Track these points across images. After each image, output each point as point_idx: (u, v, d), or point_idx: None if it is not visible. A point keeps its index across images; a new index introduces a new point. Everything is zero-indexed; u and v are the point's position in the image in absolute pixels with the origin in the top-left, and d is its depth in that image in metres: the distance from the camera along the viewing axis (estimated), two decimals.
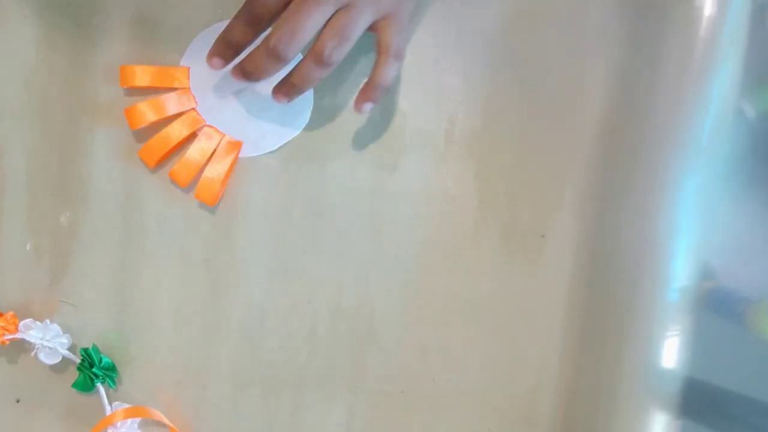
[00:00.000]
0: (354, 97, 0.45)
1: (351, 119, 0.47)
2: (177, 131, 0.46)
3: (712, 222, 0.46)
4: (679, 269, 0.46)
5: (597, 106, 0.47)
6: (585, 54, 0.47)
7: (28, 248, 0.48)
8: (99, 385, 0.48)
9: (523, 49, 0.47)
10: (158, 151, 0.46)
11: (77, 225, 0.48)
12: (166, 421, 0.49)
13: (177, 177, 0.47)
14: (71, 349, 0.48)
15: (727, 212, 0.46)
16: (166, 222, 0.48)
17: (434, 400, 0.49)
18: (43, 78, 0.47)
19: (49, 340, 0.48)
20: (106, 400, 0.48)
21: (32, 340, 0.48)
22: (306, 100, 0.47)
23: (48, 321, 0.48)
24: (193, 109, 0.47)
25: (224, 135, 0.47)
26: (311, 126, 0.47)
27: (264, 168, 0.47)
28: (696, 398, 0.46)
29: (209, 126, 0.47)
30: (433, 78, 0.47)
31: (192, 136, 0.47)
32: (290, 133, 0.47)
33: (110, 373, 0.48)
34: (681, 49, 0.45)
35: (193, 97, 0.46)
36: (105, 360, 0.48)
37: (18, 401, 0.50)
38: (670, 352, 0.46)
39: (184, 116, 0.46)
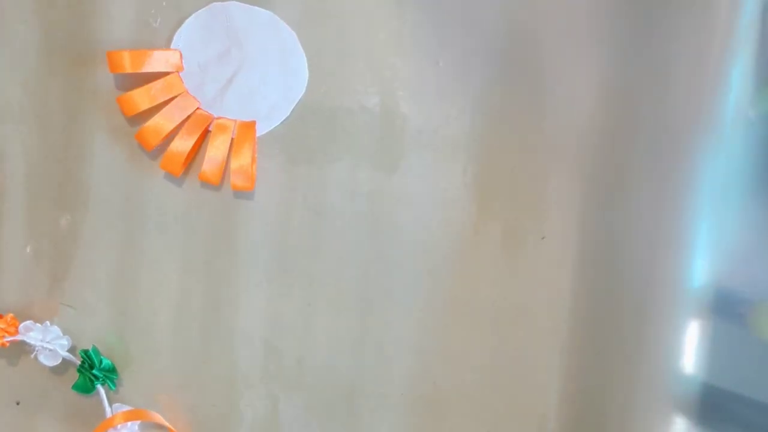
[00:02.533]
0: (356, 98, 0.45)
1: (351, 121, 0.47)
2: (172, 116, 0.46)
3: (718, 223, 0.46)
4: (689, 271, 0.46)
5: (600, 106, 0.47)
6: (587, 55, 0.47)
7: (28, 251, 0.49)
8: (99, 386, 0.48)
9: (523, 50, 0.47)
10: (156, 136, 0.46)
11: (77, 228, 0.48)
12: (166, 423, 0.49)
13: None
14: (71, 351, 0.49)
15: (730, 213, 0.46)
16: (166, 224, 0.48)
17: (435, 403, 0.49)
18: (42, 81, 0.47)
19: (49, 342, 0.48)
20: (106, 402, 0.48)
21: (32, 342, 0.48)
22: (298, 56, 0.46)
23: (48, 323, 0.48)
24: (186, 92, 0.47)
25: (235, 120, 0.47)
26: (311, 127, 0.47)
27: (264, 170, 0.47)
28: (709, 402, 0.46)
29: (219, 118, 0.47)
30: (433, 80, 0.47)
31: (205, 134, 0.47)
32: (297, 94, 0.47)
33: (110, 374, 0.48)
34: (692, 50, 0.45)
35: (181, 80, 0.46)
36: (105, 362, 0.48)
37: (18, 403, 0.50)
38: (682, 356, 0.46)
39: (178, 98, 0.46)
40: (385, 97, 0.47)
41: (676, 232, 0.46)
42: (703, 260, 0.46)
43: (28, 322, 0.48)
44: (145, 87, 0.45)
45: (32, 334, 0.48)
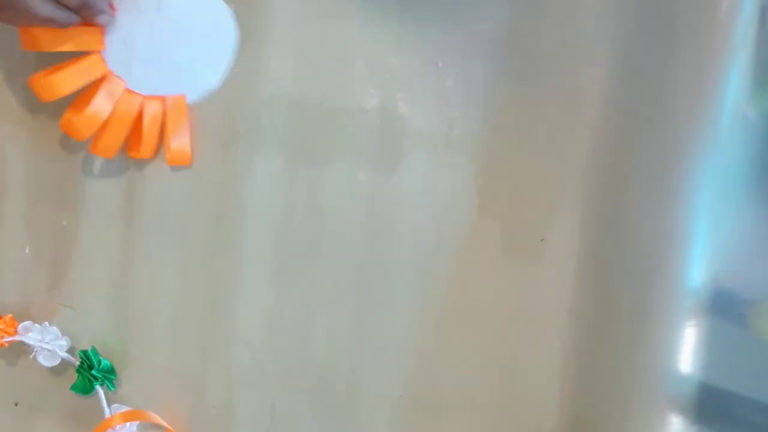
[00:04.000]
0: (355, 100, 0.45)
1: (350, 122, 0.47)
2: (103, 104, 0.45)
3: (717, 224, 0.46)
4: (688, 272, 0.46)
5: (599, 108, 0.47)
6: (587, 56, 0.47)
7: (27, 252, 0.49)
8: (98, 387, 0.48)
9: (522, 51, 0.47)
10: (90, 126, 0.45)
11: (76, 229, 0.48)
12: (164, 424, 0.49)
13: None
14: (70, 351, 0.48)
15: (730, 214, 0.46)
16: (165, 225, 0.48)
17: (434, 405, 0.49)
18: None
19: (48, 343, 0.48)
20: (105, 403, 0.48)
21: (31, 343, 0.48)
22: (227, 26, 0.46)
23: (47, 323, 0.48)
24: (110, 72, 0.46)
25: (166, 97, 0.46)
26: (311, 129, 0.47)
27: (263, 171, 0.47)
28: (708, 402, 0.46)
29: (148, 96, 0.46)
30: (432, 81, 0.47)
31: (141, 114, 0.46)
32: (227, 53, 0.46)
33: (109, 375, 0.48)
34: (692, 51, 0.45)
35: (104, 60, 0.45)
36: (104, 362, 0.48)
37: (17, 404, 0.50)
38: (681, 356, 0.46)
39: (105, 83, 0.45)
40: (385, 99, 0.47)
41: (675, 232, 0.46)
42: (702, 261, 0.46)
43: (27, 323, 0.48)
44: (66, 70, 0.44)
45: (31, 334, 0.48)
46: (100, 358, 0.48)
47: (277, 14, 0.46)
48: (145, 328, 0.49)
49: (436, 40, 0.47)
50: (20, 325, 0.48)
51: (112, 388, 0.49)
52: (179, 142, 0.47)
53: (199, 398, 0.49)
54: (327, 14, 0.46)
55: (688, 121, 0.45)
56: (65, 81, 0.44)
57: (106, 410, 0.49)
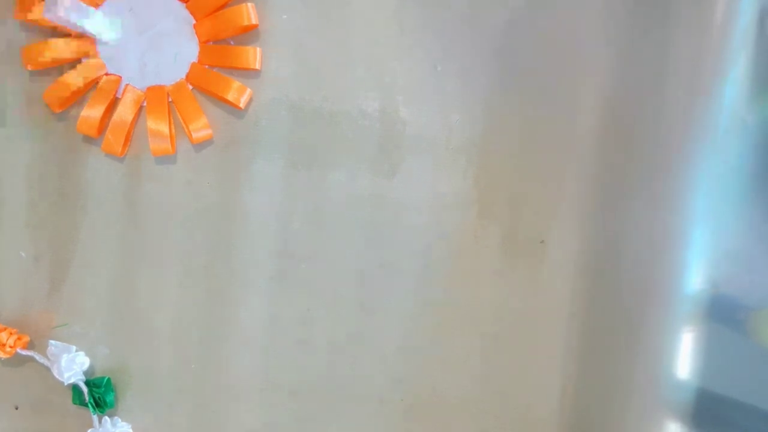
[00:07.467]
0: (355, 103, 0.45)
1: (351, 126, 0.47)
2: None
3: (716, 229, 0.46)
4: (687, 277, 0.46)
5: (598, 111, 0.47)
6: (586, 59, 0.47)
7: (24, 256, 0.48)
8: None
9: (522, 54, 0.47)
10: (63, 93, 0.46)
11: (77, 233, 0.48)
12: None
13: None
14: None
15: (729, 219, 0.46)
16: (166, 229, 0.48)
17: (434, 409, 0.49)
18: (42, 85, 0.47)
19: (71, 369, 0.48)
20: (96, 420, 0.48)
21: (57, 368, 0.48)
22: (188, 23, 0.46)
23: (74, 348, 0.48)
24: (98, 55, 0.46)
25: (146, 89, 0.47)
26: (311, 132, 0.47)
27: (263, 175, 0.47)
28: (706, 409, 0.46)
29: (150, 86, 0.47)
30: (432, 84, 0.47)
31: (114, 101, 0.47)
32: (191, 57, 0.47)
33: (107, 407, 0.48)
34: (689, 55, 0.45)
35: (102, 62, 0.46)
36: (110, 400, 0.48)
37: (17, 408, 0.50)
38: (680, 362, 0.46)
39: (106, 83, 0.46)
40: (385, 102, 0.47)
41: (674, 237, 0.46)
42: (701, 266, 0.46)
43: (56, 343, 0.48)
44: (69, 73, 0.46)
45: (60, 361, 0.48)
46: (110, 392, 0.48)
47: (277, 17, 0.46)
48: (145, 333, 0.49)
49: (435, 44, 0.47)
50: (49, 350, 0.48)
51: (102, 413, 0.49)
52: (197, 124, 0.47)
53: (199, 403, 0.49)
54: (327, 17, 0.46)
55: (686, 126, 0.45)
56: (72, 80, 0.46)
57: (96, 423, 0.49)
